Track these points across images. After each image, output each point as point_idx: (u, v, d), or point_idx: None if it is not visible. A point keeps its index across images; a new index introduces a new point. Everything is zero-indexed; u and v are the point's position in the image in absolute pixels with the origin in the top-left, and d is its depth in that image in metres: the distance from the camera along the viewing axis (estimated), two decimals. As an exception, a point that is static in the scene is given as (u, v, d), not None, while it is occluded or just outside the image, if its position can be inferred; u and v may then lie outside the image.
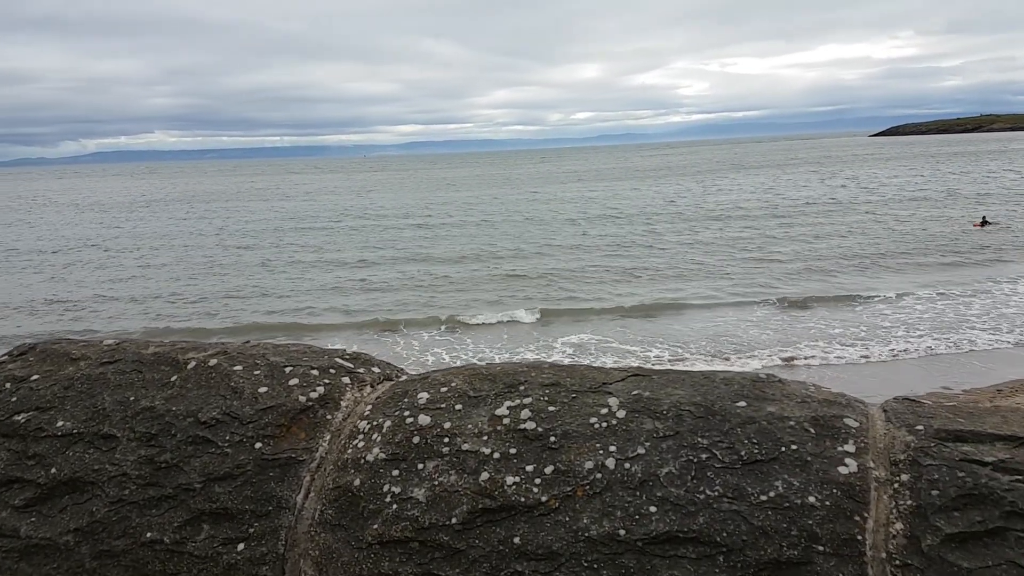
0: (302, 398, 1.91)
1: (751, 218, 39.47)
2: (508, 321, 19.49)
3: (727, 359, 15.85)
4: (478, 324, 19.09)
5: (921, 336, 16.73)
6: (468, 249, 31.82)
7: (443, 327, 18.89)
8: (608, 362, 15.94)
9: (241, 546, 1.73)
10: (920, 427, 1.58)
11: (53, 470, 1.90)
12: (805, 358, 15.67)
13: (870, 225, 34.76)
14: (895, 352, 15.82)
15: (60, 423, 1.98)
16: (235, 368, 2.02)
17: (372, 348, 16.95)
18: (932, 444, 1.53)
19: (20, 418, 2.02)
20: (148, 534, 1.78)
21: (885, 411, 1.69)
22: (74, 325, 20.70)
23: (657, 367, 2.00)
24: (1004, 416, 1.63)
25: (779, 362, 15.35)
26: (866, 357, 15.63)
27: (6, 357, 2.30)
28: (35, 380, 2.13)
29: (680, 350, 16.67)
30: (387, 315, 20.40)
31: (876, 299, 20.38)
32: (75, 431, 1.95)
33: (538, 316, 19.88)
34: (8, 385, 2.13)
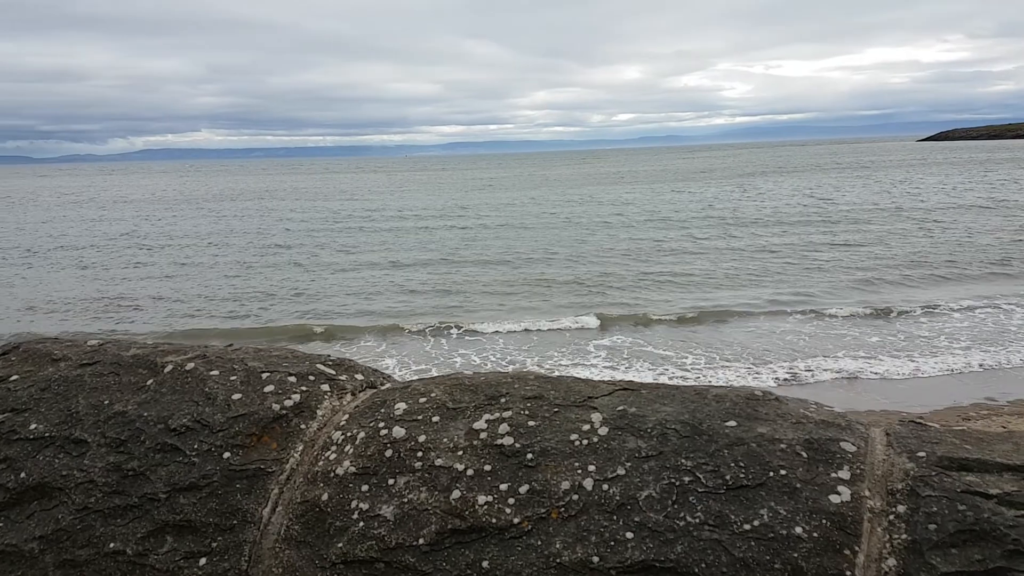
0: (276, 406, 1.85)
1: (791, 223, 38.88)
2: (576, 328, 19.37)
3: (762, 366, 15.59)
4: (544, 330, 18.95)
5: (966, 348, 16.32)
6: (505, 252, 31.75)
7: (470, 331, 18.86)
8: (641, 367, 15.79)
9: (203, 560, 1.67)
10: (922, 453, 1.47)
11: (23, 474, 1.86)
12: (836, 371, 15.36)
13: (914, 232, 34.06)
14: (935, 367, 15.45)
15: (33, 425, 1.94)
16: (212, 373, 1.97)
17: (407, 351, 16.98)
18: (933, 473, 1.42)
19: (-5, 419, 1.98)
20: (111, 544, 1.72)
21: (888, 435, 1.58)
22: (93, 324, 20.97)
23: (648, 380, 1.90)
24: (1017, 443, 1.51)
25: (815, 373, 15.06)
26: (910, 369, 15.27)
27: (-12, 355, 2.27)
28: (14, 380, 2.10)
29: (715, 356, 16.42)
30: (418, 318, 20.43)
31: (918, 309, 19.91)
32: (47, 434, 1.91)
33: (598, 322, 19.72)
34: (-13, 384, 2.10)
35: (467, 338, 18.53)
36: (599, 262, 28.94)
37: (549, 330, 19.31)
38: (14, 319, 21.52)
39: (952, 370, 15.35)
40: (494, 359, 16.34)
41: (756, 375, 15.18)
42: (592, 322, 19.79)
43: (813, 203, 49.71)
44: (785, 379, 14.82)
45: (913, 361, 15.94)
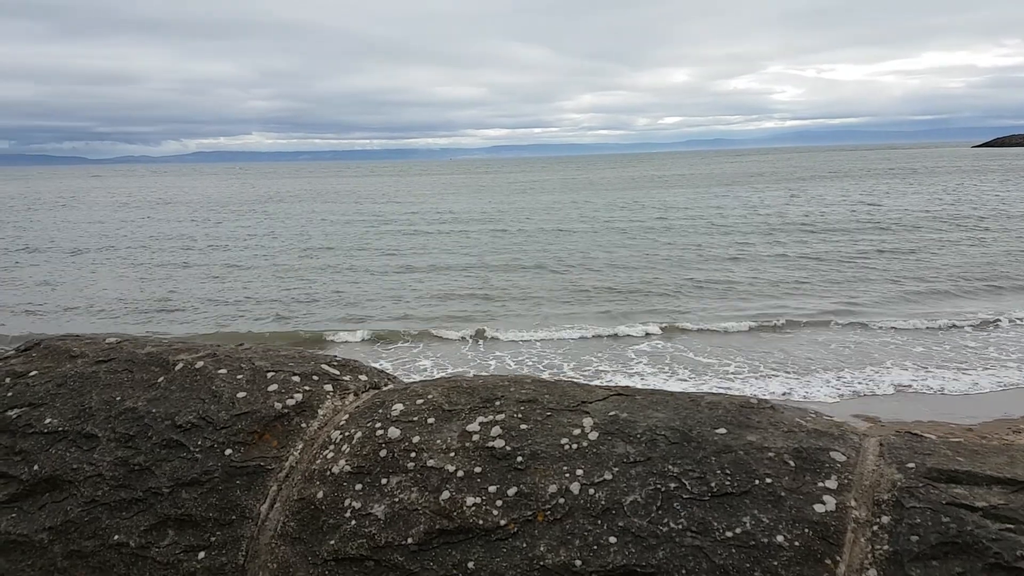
0: (278, 405, 1.90)
1: (839, 230, 38.22)
2: (618, 335, 19.29)
3: (807, 376, 15.37)
4: (588, 337, 18.87)
5: (1020, 362, 15.91)
6: (544, 256, 31.74)
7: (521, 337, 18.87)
8: (683, 374, 15.68)
9: (202, 554, 1.72)
10: (912, 464, 1.46)
11: (36, 467, 1.93)
12: (883, 382, 15.07)
13: (966, 241, 33.27)
14: (987, 380, 15.07)
15: (48, 420, 2.01)
16: (219, 371, 2.02)
17: (443, 355, 17.07)
18: (920, 484, 1.41)
19: (13, 413, 2.06)
20: (116, 536, 1.78)
21: (881, 445, 1.57)
22: (135, 326, 21.39)
23: (645, 387, 1.91)
24: (1011, 456, 1.49)
25: (862, 384, 14.80)
26: (963, 384, 14.93)
27: (12, 352, 2.36)
28: (33, 376, 2.17)
29: (759, 365, 16.23)
30: (456, 323, 20.53)
31: (969, 321, 19.45)
32: (60, 429, 1.98)
33: (643, 329, 19.61)
34: (7, 380, 2.18)
35: (503, 343, 18.57)
36: (640, 267, 28.78)
37: (593, 336, 19.26)
38: (52, 318, 22.05)
39: (1005, 384, 14.98)
40: (530, 364, 16.36)
41: (803, 385, 14.97)
42: (636, 329, 19.70)
43: (863, 209, 48.85)
44: (831, 390, 14.59)
45: (965, 374, 15.59)
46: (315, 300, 24.61)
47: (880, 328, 19.34)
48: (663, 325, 19.92)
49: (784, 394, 14.14)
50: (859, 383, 14.98)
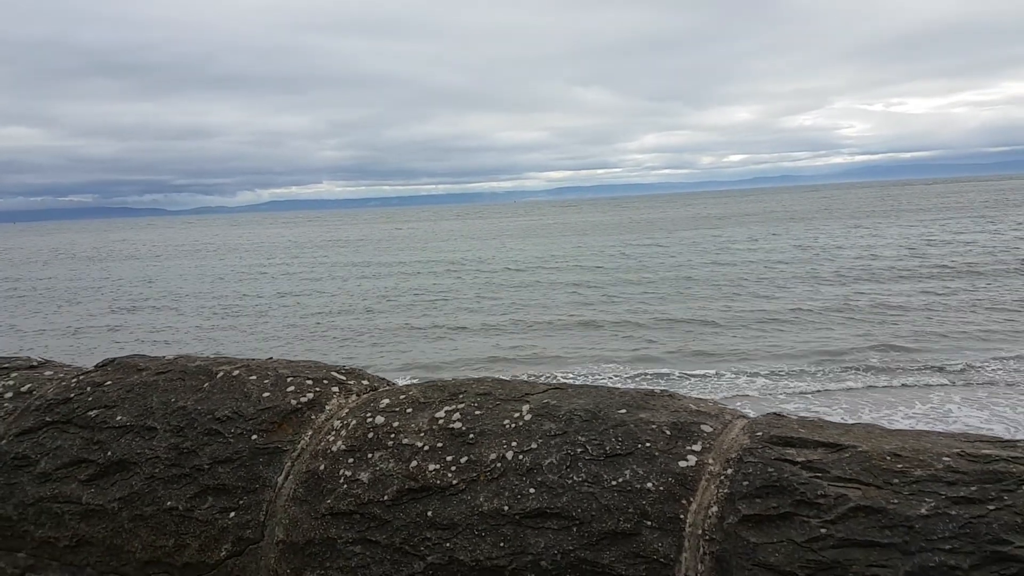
0: (293, 402, 2.45)
1: (907, 277, 36.55)
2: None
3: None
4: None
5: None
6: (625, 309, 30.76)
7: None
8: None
9: (233, 514, 2.27)
10: (760, 433, 1.93)
11: (109, 453, 2.51)
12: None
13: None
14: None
15: (119, 417, 2.59)
16: (251, 378, 2.59)
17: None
18: (760, 446, 1.87)
19: (92, 413, 2.65)
20: (168, 503, 2.34)
21: (749, 422, 2.04)
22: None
23: (579, 383, 2.40)
24: (848, 430, 1.95)
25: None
26: None
27: (92, 368, 2.97)
28: (108, 385, 2.77)
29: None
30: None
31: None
32: (128, 424, 2.56)
33: None
34: (88, 388, 2.78)
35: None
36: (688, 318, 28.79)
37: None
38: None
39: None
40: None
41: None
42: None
43: (925, 249, 47.44)
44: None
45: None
46: (380, 345, 25.39)
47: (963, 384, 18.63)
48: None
49: None
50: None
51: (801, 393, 17.44)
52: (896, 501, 1.64)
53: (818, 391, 17.56)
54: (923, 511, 1.61)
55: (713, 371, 19.65)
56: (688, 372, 19.66)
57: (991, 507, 1.57)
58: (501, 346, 24.30)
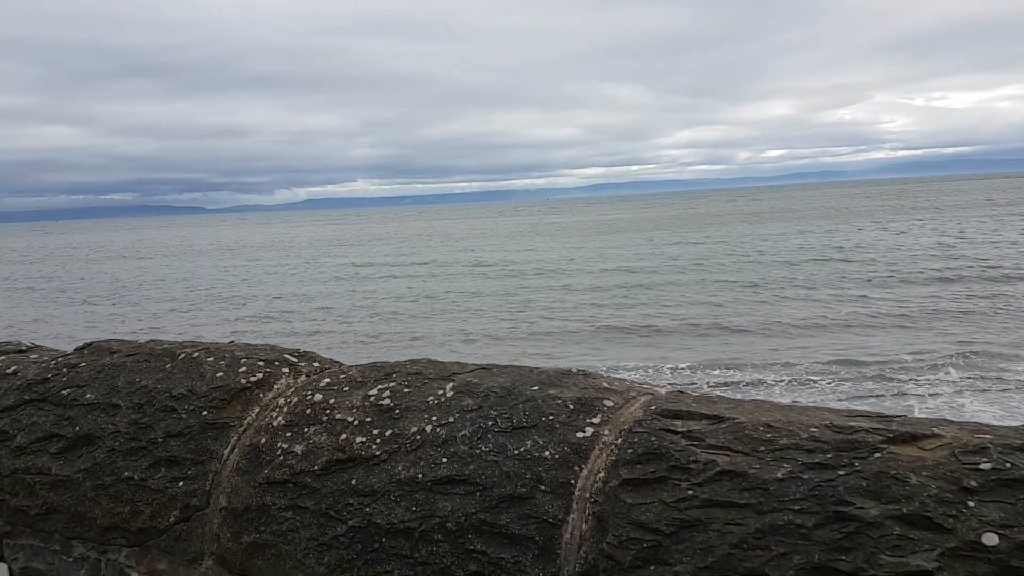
0: (243, 381, 2.63)
1: (952, 279, 35.22)
2: None
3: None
4: None
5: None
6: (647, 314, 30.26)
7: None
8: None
9: (182, 483, 2.45)
10: (654, 407, 2.07)
11: (77, 428, 2.71)
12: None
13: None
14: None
15: (88, 396, 2.80)
16: (208, 359, 2.78)
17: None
18: (649, 418, 2.02)
19: (65, 392, 2.86)
20: (126, 473, 2.54)
21: (651, 398, 2.18)
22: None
23: (512, 364, 2.56)
24: (739, 405, 2.08)
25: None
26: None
27: (72, 351, 3.18)
28: (82, 366, 2.98)
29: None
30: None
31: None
32: (95, 401, 2.76)
33: None
34: (64, 369, 2.99)
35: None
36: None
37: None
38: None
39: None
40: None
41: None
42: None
43: (964, 250, 46.39)
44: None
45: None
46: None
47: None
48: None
49: None
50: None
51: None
52: (758, 466, 1.78)
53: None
54: (779, 475, 1.74)
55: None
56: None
57: (841, 472, 1.71)
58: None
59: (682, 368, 20.48)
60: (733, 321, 26.25)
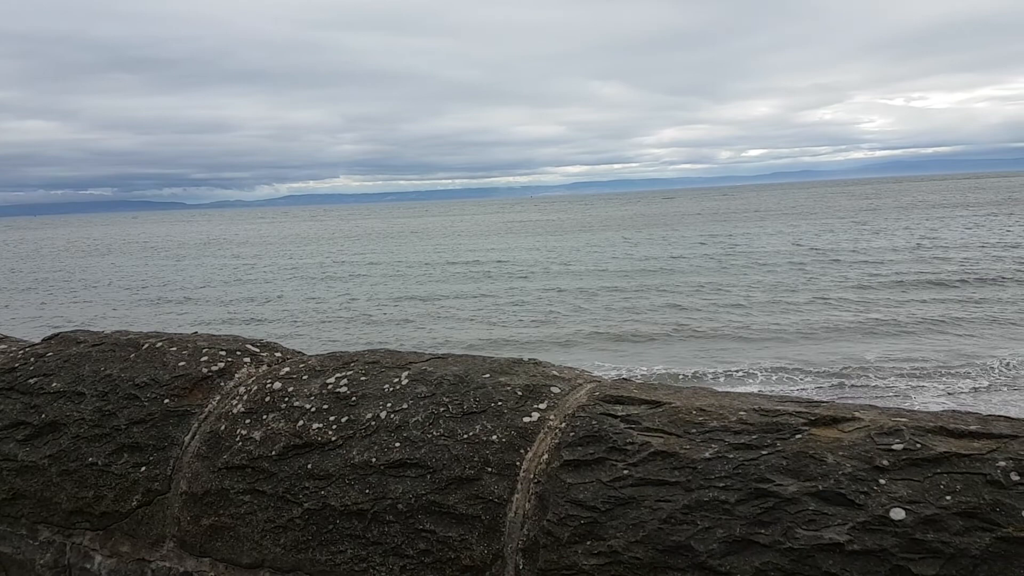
0: (205, 370, 2.72)
1: (940, 284, 34.94)
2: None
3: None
4: None
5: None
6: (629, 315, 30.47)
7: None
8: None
9: (144, 468, 2.54)
10: (598, 394, 2.18)
11: (43, 415, 2.78)
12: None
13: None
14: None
15: (54, 384, 2.87)
16: (171, 349, 2.86)
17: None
18: (593, 403, 2.13)
19: (32, 381, 2.93)
20: (90, 459, 2.62)
21: (596, 384, 2.29)
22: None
23: (467, 354, 2.65)
24: (678, 392, 2.19)
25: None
26: None
27: (40, 341, 3.25)
28: (49, 356, 3.05)
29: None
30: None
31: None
32: (61, 390, 2.83)
33: None
34: (32, 359, 3.06)
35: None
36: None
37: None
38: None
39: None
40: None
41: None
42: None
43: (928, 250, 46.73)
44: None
45: None
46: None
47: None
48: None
49: None
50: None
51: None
52: (688, 447, 1.89)
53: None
54: (707, 455, 1.85)
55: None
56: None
57: (764, 452, 1.82)
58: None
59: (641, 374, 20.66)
60: (701, 326, 26.48)
